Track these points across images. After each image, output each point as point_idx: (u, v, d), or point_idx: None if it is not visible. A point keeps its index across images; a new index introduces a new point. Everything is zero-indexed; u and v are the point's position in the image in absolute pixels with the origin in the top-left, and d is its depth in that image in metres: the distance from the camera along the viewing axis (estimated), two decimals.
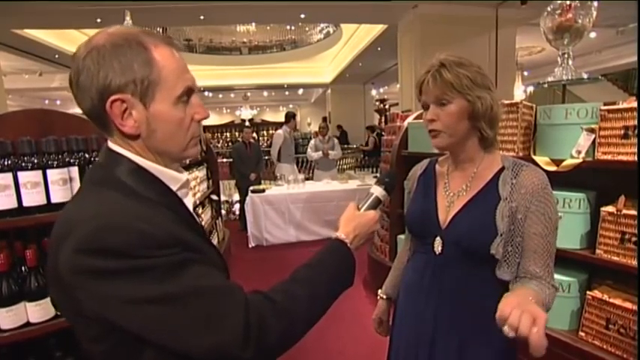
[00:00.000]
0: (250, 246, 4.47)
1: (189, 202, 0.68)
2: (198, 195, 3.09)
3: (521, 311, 0.61)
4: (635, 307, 1.40)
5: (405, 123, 2.88)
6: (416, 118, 2.84)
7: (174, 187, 0.65)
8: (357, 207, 0.84)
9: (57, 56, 6.74)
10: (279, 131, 5.26)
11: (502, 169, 0.92)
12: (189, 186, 0.70)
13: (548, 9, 1.84)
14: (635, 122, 1.42)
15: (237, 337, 0.55)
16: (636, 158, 1.42)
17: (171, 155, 0.65)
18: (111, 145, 0.63)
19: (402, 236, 2.78)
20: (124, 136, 0.61)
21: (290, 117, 5.27)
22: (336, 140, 5.46)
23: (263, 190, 4.57)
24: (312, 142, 5.51)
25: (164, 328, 0.53)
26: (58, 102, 12.43)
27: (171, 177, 0.65)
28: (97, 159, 1.28)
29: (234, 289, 0.59)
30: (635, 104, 1.44)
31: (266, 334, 0.57)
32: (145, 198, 0.59)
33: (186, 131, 0.64)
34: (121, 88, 0.57)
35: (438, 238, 0.94)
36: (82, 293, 0.53)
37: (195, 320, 0.54)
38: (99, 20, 4.83)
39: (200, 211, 3.13)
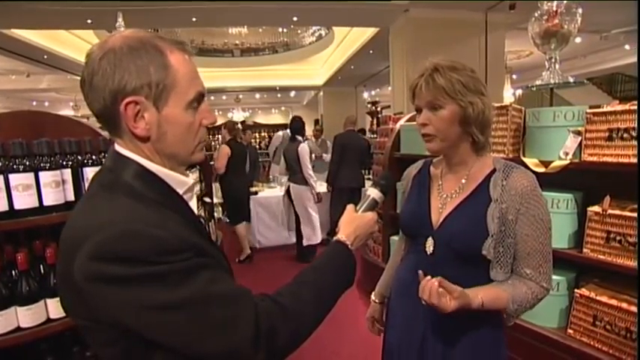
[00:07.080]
0: None
1: (193, 205, 0.69)
2: None
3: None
4: (620, 305, 1.44)
5: (398, 125, 2.91)
6: (408, 121, 2.88)
7: (180, 191, 0.66)
8: (354, 209, 0.84)
9: (45, 57, 6.63)
10: (279, 132, 5.23)
11: (493, 171, 0.93)
12: (194, 190, 0.71)
13: (536, 14, 1.89)
14: (619, 125, 1.46)
15: (248, 341, 0.55)
16: (627, 160, 1.46)
17: (178, 159, 0.65)
18: (118, 148, 0.63)
19: (395, 237, 2.81)
20: (134, 138, 0.61)
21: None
22: (329, 143, 5.47)
23: (255, 193, 4.55)
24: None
25: (179, 332, 0.54)
26: (47, 103, 12.20)
27: (178, 181, 0.65)
28: (93, 160, 1.29)
29: (245, 294, 0.59)
30: (618, 107, 1.48)
31: (276, 338, 0.58)
32: (155, 202, 0.59)
33: (195, 135, 0.64)
34: (135, 91, 0.58)
35: (429, 239, 0.95)
36: (98, 299, 0.54)
37: (209, 325, 0.54)
38: (89, 21, 4.78)
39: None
